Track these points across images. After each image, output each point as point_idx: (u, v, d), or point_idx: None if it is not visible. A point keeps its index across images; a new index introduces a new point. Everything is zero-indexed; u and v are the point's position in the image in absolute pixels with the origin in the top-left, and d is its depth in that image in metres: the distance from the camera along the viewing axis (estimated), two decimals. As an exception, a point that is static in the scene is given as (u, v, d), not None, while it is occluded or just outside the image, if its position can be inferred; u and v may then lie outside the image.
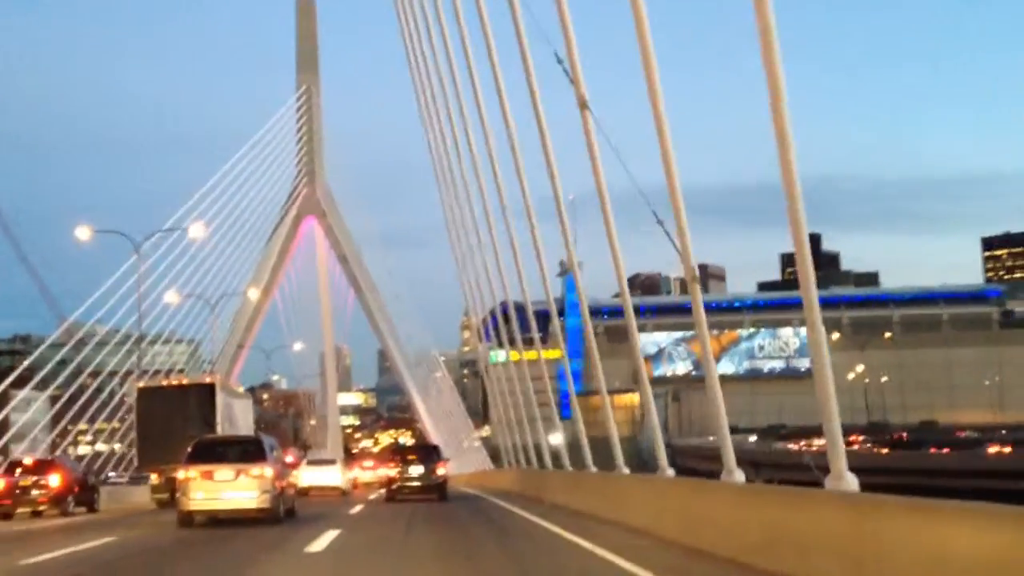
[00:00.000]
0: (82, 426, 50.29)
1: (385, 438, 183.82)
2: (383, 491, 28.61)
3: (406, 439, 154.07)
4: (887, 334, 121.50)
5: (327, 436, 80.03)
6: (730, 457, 12.10)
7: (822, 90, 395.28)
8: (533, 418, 29.91)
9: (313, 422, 79.03)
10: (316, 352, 79.52)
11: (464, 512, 21.68)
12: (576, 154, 15.63)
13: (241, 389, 36.01)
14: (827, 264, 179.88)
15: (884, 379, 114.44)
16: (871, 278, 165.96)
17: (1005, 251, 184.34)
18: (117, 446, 50.95)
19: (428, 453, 28.58)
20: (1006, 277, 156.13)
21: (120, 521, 20.90)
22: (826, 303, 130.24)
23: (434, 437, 70.88)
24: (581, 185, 17.26)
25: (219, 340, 57.58)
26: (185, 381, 33.05)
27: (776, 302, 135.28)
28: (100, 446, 52.79)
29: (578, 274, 21.15)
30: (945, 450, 55.54)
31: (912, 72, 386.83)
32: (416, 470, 26.43)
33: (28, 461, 25.40)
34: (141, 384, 33.14)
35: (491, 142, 23.56)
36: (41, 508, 23.97)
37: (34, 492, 23.66)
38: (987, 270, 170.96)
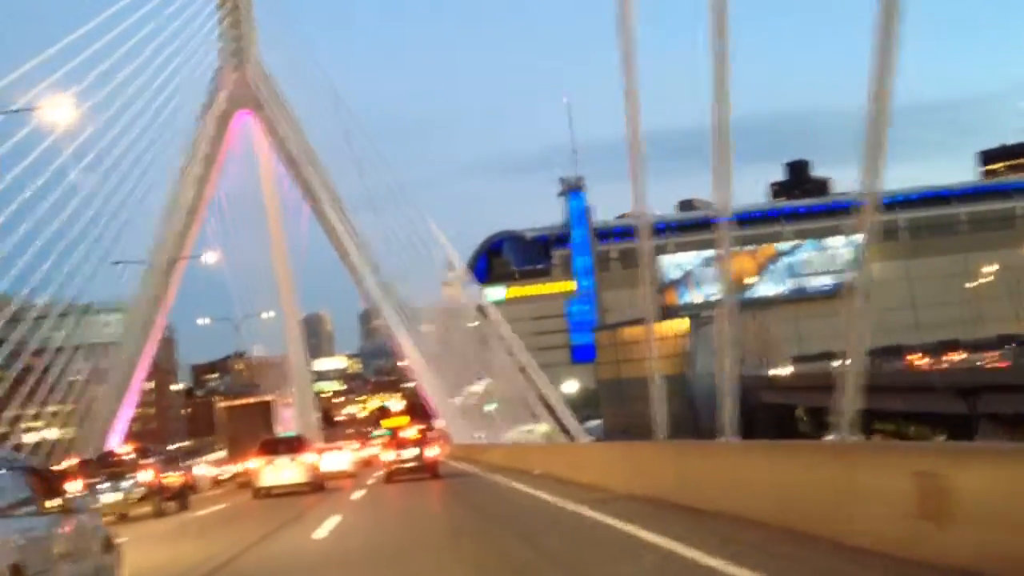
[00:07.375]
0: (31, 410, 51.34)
1: (374, 402, 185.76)
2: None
3: (396, 402, 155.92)
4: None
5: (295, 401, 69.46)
6: None
7: (795, 25, 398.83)
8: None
9: (294, 390, 76.31)
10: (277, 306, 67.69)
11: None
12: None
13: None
14: (817, 190, 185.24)
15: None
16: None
17: (1002, 164, 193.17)
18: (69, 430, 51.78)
19: (420, 438, 34.91)
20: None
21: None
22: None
23: (431, 397, 68.87)
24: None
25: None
26: (252, 400, 57.13)
27: (820, 207, 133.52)
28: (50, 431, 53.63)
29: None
30: None
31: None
32: (410, 453, 32.81)
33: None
34: (224, 404, 58.29)
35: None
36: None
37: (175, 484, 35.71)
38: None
